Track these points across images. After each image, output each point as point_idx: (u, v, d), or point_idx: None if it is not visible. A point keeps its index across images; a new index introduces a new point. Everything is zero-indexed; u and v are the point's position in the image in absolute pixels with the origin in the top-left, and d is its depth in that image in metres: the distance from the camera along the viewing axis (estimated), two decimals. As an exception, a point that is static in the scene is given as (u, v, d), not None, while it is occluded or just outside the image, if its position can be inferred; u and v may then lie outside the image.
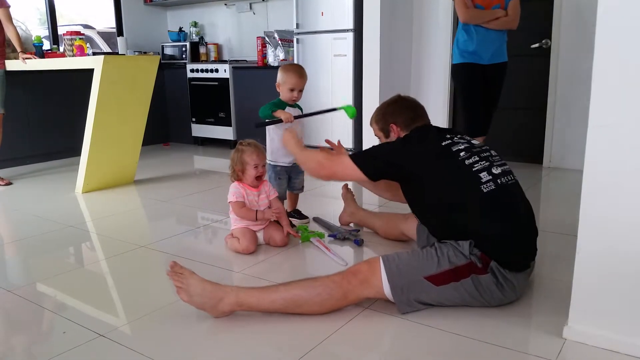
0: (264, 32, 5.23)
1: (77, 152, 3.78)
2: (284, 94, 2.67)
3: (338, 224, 2.81)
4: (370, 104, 4.25)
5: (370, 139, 2.30)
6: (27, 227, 2.97)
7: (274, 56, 5.08)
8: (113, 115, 3.69)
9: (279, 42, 5.03)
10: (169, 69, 5.77)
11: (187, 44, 5.81)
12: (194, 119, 5.67)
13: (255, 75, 5.13)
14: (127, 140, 3.89)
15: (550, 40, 4.06)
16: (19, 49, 3.97)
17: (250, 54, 5.69)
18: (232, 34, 5.93)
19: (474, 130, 3.28)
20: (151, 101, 3.96)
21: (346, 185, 2.87)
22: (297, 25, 4.69)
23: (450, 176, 1.84)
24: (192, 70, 5.55)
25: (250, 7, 5.69)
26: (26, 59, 3.95)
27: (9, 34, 3.98)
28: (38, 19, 5.77)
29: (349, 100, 4.42)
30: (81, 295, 2.07)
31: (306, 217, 2.90)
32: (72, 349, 1.63)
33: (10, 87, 4.18)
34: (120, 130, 3.79)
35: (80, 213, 3.32)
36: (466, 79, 3.32)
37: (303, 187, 2.86)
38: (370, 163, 1.98)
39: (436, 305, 1.79)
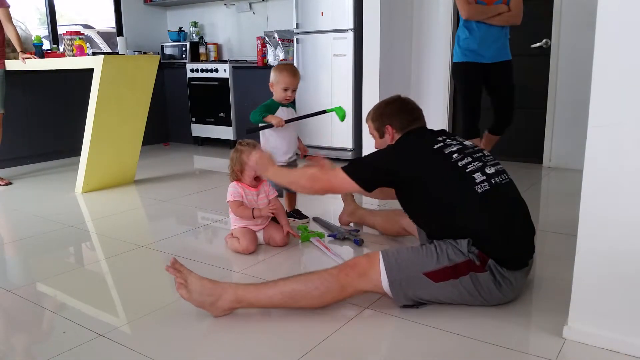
0: (264, 32, 5.23)
1: (77, 152, 3.78)
2: (278, 94, 2.68)
3: (338, 224, 2.81)
4: (370, 103, 4.17)
5: (371, 139, 2.28)
6: (27, 227, 2.97)
7: (274, 56, 5.07)
8: (113, 115, 3.69)
9: (279, 42, 5.03)
10: (168, 69, 5.77)
11: (187, 43, 5.81)
12: (193, 119, 5.67)
13: (255, 75, 5.12)
14: (127, 140, 3.89)
15: (551, 40, 4.07)
16: (18, 49, 3.97)
17: (250, 54, 5.69)
18: (232, 33, 5.93)
19: (469, 131, 3.27)
20: (151, 101, 3.96)
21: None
22: (297, 25, 4.69)
23: (444, 178, 1.84)
24: (192, 70, 5.55)
25: (250, 7, 5.69)
26: (26, 58, 3.95)
27: (9, 33, 3.98)
28: (38, 18, 5.77)
29: (344, 103, 4.39)
30: (81, 295, 2.07)
31: (306, 217, 2.91)
32: (72, 349, 1.63)
33: (10, 87, 4.18)
34: (120, 130, 3.79)
35: (80, 213, 3.32)
36: (465, 78, 3.28)
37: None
38: (364, 174, 1.95)
39: (434, 302, 1.79)
